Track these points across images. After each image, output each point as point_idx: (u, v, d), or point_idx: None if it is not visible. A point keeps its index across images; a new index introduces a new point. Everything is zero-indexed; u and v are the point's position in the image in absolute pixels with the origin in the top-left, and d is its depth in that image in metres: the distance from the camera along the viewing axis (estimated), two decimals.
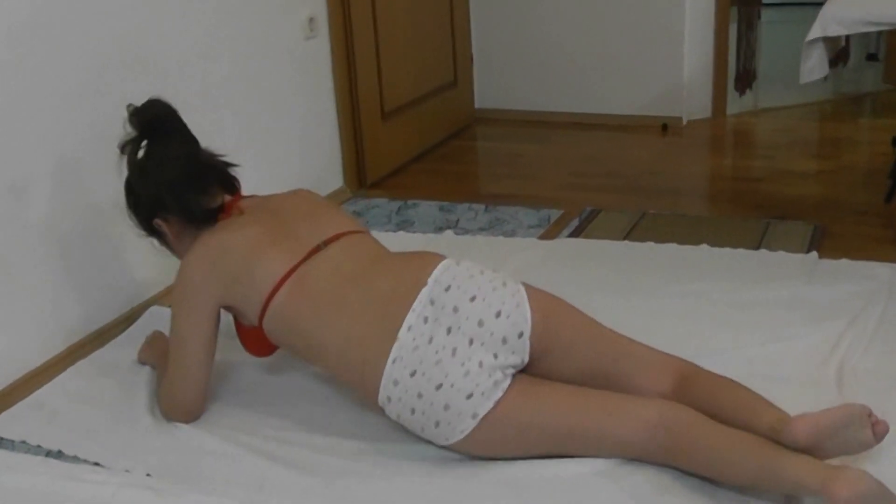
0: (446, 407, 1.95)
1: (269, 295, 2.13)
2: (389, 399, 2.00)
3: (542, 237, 3.38)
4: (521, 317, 2.02)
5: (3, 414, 2.38)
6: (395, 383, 1.98)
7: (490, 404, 1.93)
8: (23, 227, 2.51)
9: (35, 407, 2.41)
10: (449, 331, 1.99)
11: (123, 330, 2.79)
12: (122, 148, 2.25)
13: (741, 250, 3.10)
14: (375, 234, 3.40)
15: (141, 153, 2.25)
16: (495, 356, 1.97)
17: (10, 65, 2.43)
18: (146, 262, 2.83)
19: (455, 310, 2.01)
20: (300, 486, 2.02)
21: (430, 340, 1.99)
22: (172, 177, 2.23)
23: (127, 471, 2.11)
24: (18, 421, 2.35)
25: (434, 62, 4.66)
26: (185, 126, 2.29)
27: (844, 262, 2.95)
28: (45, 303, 2.60)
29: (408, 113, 4.39)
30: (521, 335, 2.00)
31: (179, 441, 2.21)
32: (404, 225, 3.59)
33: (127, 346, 2.66)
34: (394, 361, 1.99)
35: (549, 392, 2.00)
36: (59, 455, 2.20)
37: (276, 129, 3.57)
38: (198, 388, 2.25)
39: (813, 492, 1.74)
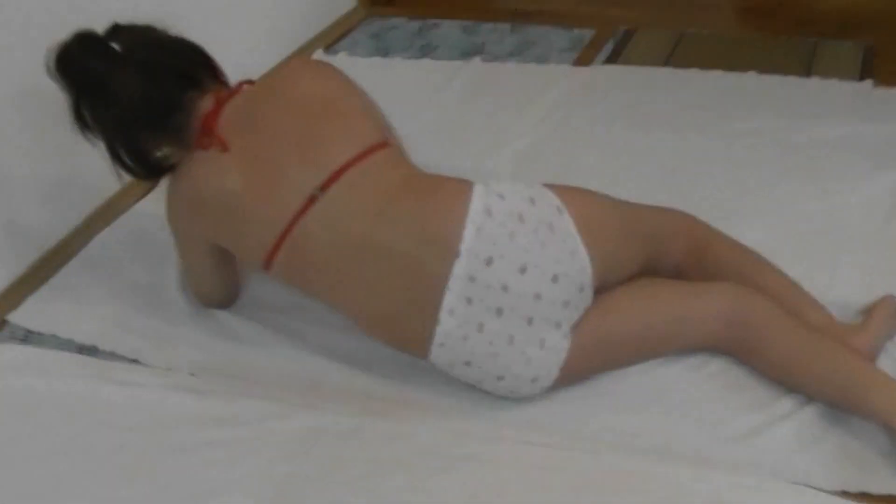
0: (511, 391, 1.78)
1: (265, 264, 1.83)
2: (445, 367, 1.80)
3: (577, 63, 3.11)
4: (580, 267, 1.73)
5: (29, 300, 2.23)
6: (450, 366, 1.77)
7: (556, 373, 1.76)
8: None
9: (60, 291, 2.25)
10: (500, 312, 1.69)
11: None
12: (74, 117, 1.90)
13: (791, 78, 2.84)
14: (397, 60, 3.25)
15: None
16: (558, 325, 1.73)
17: None
18: None
19: (505, 288, 1.68)
20: (358, 386, 1.89)
21: (481, 328, 1.70)
22: (125, 137, 1.88)
23: (169, 369, 1.98)
24: (44, 310, 2.19)
25: None
26: (115, 55, 1.85)
27: None
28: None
29: None
30: (582, 289, 1.75)
31: (221, 331, 2.05)
32: (427, 50, 3.32)
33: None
34: (442, 345, 1.73)
35: (614, 323, 1.80)
36: (93, 351, 2.05)
37: None
38: (217, 290, 2.07)
39: None
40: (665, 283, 1.87)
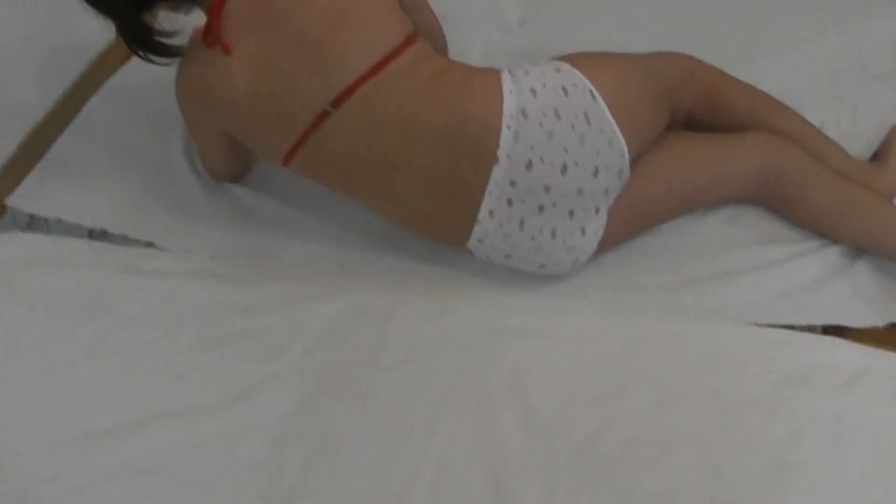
0: (551, 273, 1.74)
1: (282, 164, 1.74)
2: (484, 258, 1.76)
3: None
4: (619, 154, 1.65)
5: (26, 181, 2.08)
6: (489, 257, 1.73)
7: (595, 248, 1.72)
8: None
9: (58, 169, 2.10)
10: (542, 210, 1.64)
11: None
12: None
13: None
14: None
15: None
16: (597, 210, 1.68)
17: None
18: None
19: (546, 189, 1.62)
20: (390, 264, 1.83)
21: (522, 225, 1.65)
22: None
23: (187, 251, 1.90)
24: (45, 191, 2.05)
25: None
26: None
27: None
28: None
29: None
30: (621, 173, 1.67)
31: (238, 208, 1.95)
32: None
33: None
34: (480, 241, 1.69)
35: (648, 191, 1.74)
36: (103, 235, 1.95)
37: None
38: (230, 166, 1.95)
39: None
40: (694, 142, 1.80)
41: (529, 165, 1.61)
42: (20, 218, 2.02)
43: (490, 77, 1.67)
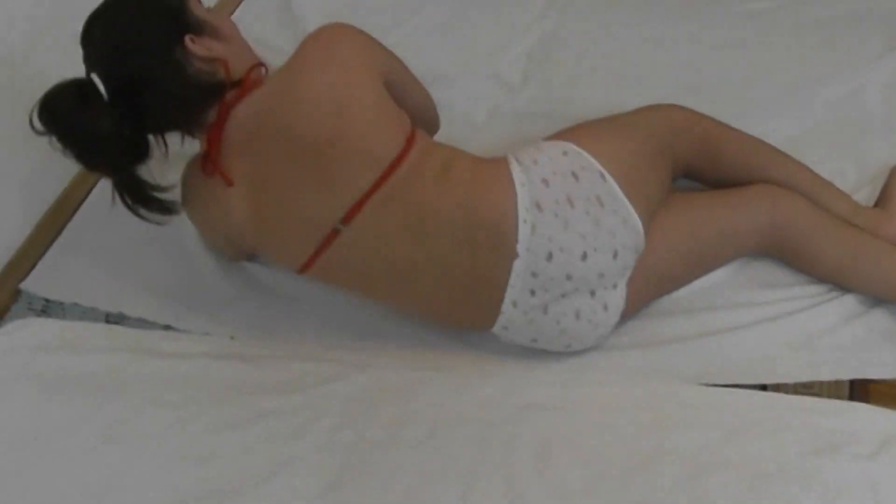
0: (576, 350, 1.74)
1: (298, 273, 1.75)
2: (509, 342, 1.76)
3: None
4: (634, 232, 1.65)
5: (40, 265, 2.07)
6: (513, 342, 1.73)
7: (616, 321, 1.72)
8: None
9: (72, 251, 2.10)
10: (564, 295, 1.64)
11: None
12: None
13: None
14: None
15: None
16: (615, 286, 1.67)
17: None
18: None
19: (569, 277, 1.62)
20: (408, 338, 1.81)
21: (546, 310, 1.65)
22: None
23: (207, 334, 1.88)
24: (59, 275, 2.05)
25: None
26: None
27: None
28: None
29: None
30: (637, 249, 1.68)
31: (253, 285, 1.94)
32: None
33: None
34: (505, 328, 1.69)
35: (661, 258, 1.73)
36: (121, 318, 1.94)
37: None
38: (236, 258, 1.95)
39: None
40: (699, 202, 1.80)
41: (550, 257, 1.61)
42: (35, 302, 2.00)
43: (499, 168, 1.66)
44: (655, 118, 1.83)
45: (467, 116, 2.26)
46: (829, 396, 1.67)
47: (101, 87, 1.64)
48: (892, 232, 1.81)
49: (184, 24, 1.70)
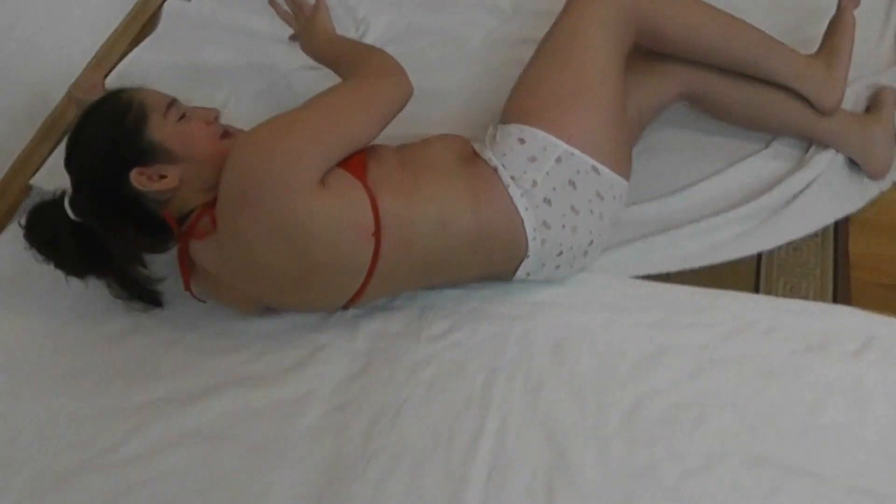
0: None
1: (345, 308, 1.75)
2: None
3: None
4: (624, 193, 1.75)
5: (49, 160, 2.09)
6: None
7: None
8: None
9: None
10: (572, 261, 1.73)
11: None
12: None
13: None
14: None
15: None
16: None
17: None
18: None
19: (574, 257, 1.71)
20: None
21: (557, 268, 1.73)
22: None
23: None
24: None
25: None
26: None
27: None
28: None
29: None
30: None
31: None
32: None
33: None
34: (528, 274, 1.73)
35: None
36: None
37: None
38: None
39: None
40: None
41: (560, 253, 1.69)
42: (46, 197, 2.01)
43: (501, 201, 1.63)
44: (596, 39, 1.74)
45: (461, 41, 2.30)
46: (815, 299, 1.78)
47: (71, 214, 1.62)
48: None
49: (132, 155, 1.56)
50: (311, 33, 1.86)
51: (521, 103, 1.73)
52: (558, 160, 1.65)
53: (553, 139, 1.65)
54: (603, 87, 1.71)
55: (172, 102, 1.62)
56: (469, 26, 2.33)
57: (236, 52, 2.32)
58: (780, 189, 1.88)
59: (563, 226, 1.66)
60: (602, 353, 1.66)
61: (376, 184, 1.59)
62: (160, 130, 1.58)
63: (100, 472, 1.57)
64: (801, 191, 1.88)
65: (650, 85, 1.88)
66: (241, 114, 2.11)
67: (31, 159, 2.10)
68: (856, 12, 1.95)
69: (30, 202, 2.00)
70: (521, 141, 1.66)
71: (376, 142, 1.67)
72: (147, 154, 1.56)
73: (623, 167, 1.73)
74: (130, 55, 2.33)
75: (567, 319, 1.72)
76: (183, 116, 1.61)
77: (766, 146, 1.96)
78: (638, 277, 1.80)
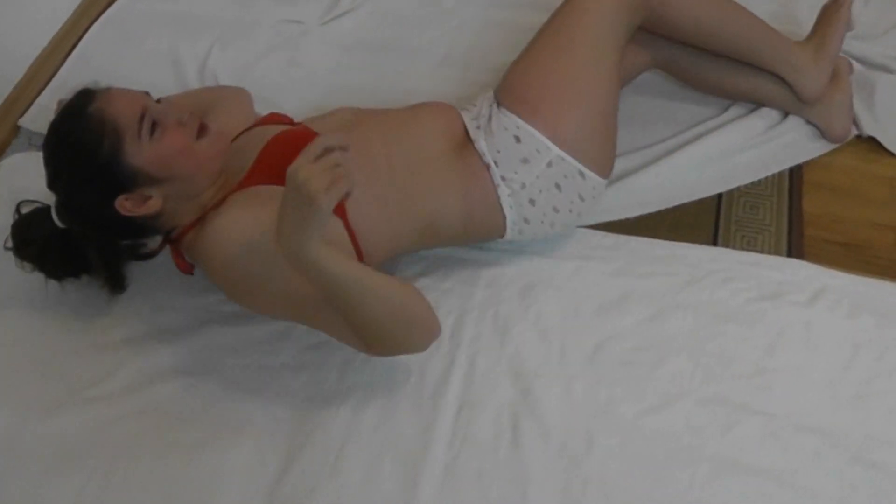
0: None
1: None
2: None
3: None
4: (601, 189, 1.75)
5: (37, 102, 2.10)
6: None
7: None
8: None
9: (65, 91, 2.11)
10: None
11: None
12: None
13: None
14: None
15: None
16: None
17: None
18: None
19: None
20: None
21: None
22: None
23: None
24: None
25: None
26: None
27: None
28: None
29: None
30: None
31: None
32: None
33: None
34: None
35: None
36: None
37: None
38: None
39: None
40: None
41: (533, 238, 1.74)
42: (35, 139, 2.03)
43: (486, 187, 1.67)
44: (598, 37, 1.72)
45: (435, 2, 2.31)
46: (770, 254, 1.83)
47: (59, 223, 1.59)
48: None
49: (114, 186, 1.51)
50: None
51: (520, 91, 1.70)
52: (549, 164, 1.66)
53: (547, 142, 1.66)
54: (601, 81, 1.70)
55: (143, 114, 1.50)
56: None
57: (222, 4, 2.33)
58: (738, 133, 1.93)
59: (542, 222, 1.71)
60: (567, 298, 1.71)
61: (358, 212, 1.57)
62: (138, 155, 1.49)
63: (85, 404, 1.60)
64: (759, 135, 1.93)
65: (626, 54, 1.85)
66: (225, 61, 2.15)
67: (19, 99, 2.12)
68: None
69: (18, 143, 2.01)
70: (517, 139, 1.66)
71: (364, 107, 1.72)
72: (129, 181, 1.50)
73: (607, 168, 1.75)
74: (119, 2, 2.33)
75: (535, 266, 1.76)
76: (154, 126, 1.51)
77: (725, 110, 2.00)
78: (598, 226, 1.84)
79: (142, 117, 1.49)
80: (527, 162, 1.66)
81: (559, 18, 1.74)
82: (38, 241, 1.61)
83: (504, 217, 1.68)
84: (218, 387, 1.61)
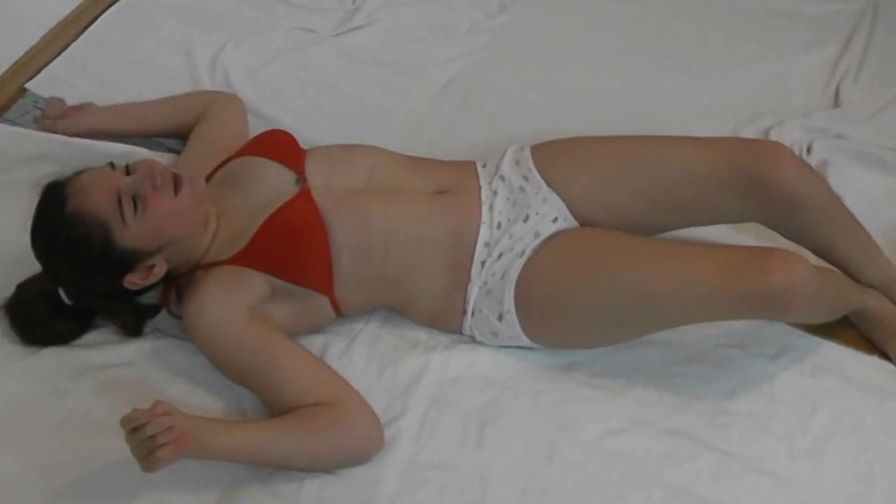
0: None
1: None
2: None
3: None
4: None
5: (45, 70, 2.11)
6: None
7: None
8: None
9: (75, 65, 2.14)
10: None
11: None
12: None
13: None
14: None
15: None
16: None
17: None
18: None
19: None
20: None
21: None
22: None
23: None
24: (58, 83, 2.08)
25: None
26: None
27: None
28: None
29: None
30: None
31: None
32: None
33: None
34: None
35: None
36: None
37: None
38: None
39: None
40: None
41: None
42: (39, 101, 2.04)
43: (456, 318, 1.67)
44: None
45: (448, 28, 2.34)
46: None
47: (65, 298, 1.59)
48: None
49: (117, 268, 1.52)
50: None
51: (539, 289, 1.60)
52: (545, 200, 1.66)
53: (525, 339, 1.63)
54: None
55: (119, 197, 1.48)
56: (457, 18, 2.36)
57: (241, 4, 2.35)
58: None
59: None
60: None
61: (343, 288, 1.61)
62: (128, 237, 1.49)
63: (64, 349, 1.63)
64: None
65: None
66: (237, 58, 2.17)
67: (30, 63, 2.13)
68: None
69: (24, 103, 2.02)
70: (501, 319, 1.62)
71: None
72: (129, 261, 1.51)
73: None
74: None
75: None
76: (135, 202, 1.49)
77: None
78: None
79: (119, 201, 1.48)
80: (496, 336, 1.65)
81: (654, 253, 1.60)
82: (42, 323, 1.60)
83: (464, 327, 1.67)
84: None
